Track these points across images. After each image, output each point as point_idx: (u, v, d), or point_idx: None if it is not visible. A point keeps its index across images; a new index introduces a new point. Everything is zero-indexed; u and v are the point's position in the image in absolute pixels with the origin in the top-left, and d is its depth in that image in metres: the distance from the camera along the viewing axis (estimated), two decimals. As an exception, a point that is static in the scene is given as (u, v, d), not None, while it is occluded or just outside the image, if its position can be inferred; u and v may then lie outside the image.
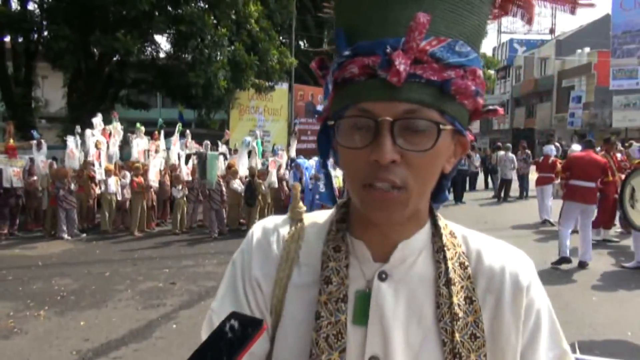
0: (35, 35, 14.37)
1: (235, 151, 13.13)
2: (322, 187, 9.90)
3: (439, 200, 0.80)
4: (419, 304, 0.73)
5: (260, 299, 0.77)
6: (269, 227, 0.83)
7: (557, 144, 14.68)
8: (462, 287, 0.74)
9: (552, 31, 44.31)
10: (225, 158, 11.19)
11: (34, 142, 10.12)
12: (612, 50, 27.54)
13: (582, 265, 6.89)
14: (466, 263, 0.76)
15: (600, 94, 29.26)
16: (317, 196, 10.24)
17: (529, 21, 0.79)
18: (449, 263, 0.74)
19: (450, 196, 14.46)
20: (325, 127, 0.76)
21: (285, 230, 0.81)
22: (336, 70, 0.69)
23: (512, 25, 45.81)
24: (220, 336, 0.58)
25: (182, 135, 11.89)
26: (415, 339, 0.72)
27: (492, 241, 0.81)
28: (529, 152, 15.30)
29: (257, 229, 0.83)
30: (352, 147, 0.67)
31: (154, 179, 10.12)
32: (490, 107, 0.75)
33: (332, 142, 0.76)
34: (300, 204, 0.86)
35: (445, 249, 0.76)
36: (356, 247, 0.76)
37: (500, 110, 0.76)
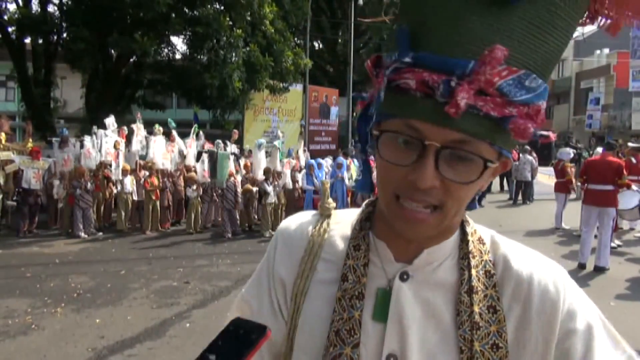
0: (55, 37, 14.62)
1: (250, 152, 13.17)
2: (358, 174, 9.78)
3: (468, 208, 0.79)
4: (438, 308, 0.73)
5: (280, 291, 0.80)
6: (296, 222, 0.85)
7: (573, 146, 14.46)
8: (485, 295, 0.72)
9: (570, 32, 43.68)
10: (236, 158, 11.21)
11: (56, 139, 10.30)
12: (632, 51, 27.01)
13: (598, 270, 6.81)
14: (492, 271, 0.74)
15: (619, 95, 28.73)
16: (352, 184, 10.15)
17: (614, 31, 0.69)
18: (473, 271, 0.73)
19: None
20: (365, 115, 0.74)
21: (311, 225, 0.83)
22: (391, 74, 0.64)
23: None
24: (223, 341, 0.57)
25: (198, 135, 11.99)
26: (431, 342, 0.71)
27: (523, 249, 0.79)
28: (534, 155, 15.24)
29: (284, 224, 0.86)
30: (394, 162, 0.65)
31: (159, 159, 10.25)
32: (544, 133, 0.67)
33: (371, 127, 0.73)
34: (330, 199, 0.86)
35: (471, 256, 0.74)
36: (379, 248, 0.77)
37: (553, 136, 0.69)
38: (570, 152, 10.97)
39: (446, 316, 0.72)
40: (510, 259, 0.75)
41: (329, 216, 0.84)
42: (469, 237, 0.76)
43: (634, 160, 10.09)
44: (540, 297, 0.72)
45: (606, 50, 31.47)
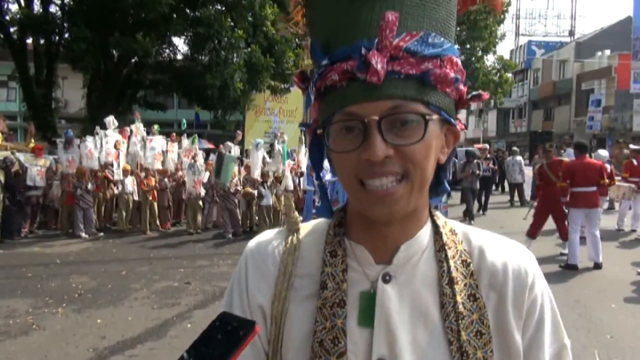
0: (56, 37, 14.65)
1: (244, 151, 13.16)
2: (318, 201, 9.77)
3: (439, 192, 0.80)
4: (424, 304, 0.73)
5: (260, 319, 0.76)
6: (263, 242, 0.82)
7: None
8: (465, 285, 0.74)
9: (571, 33, 43.68)
10: (242, 162, 11.22)
11: (60, 140, 10.32)
12: (633, 52, 27.03)
13: (598, 266, 6.99)
14: (468, 260, 0.76)
15: (620, 97, 28.72)
16: (313, 210, 10.12)
17: (496, 6, 0.80)
18: (451, 262, 0.74)
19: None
20: (317, 139, 0.76)
21: (280, 244, 0.80)
22: (318, 81, 0.70)
23: (530, 28, 45.31)
24: (211, 337, 0.56)
25: (201, 136, 12.02)
26: (422, 340, 0.71)
27: (494, 237, 0.80)
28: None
29: (251, 246, 0.83)
30: (344, 150, 0.68)
31: (151, 161, 10.29)
32: (474, 93, 0.75)
33: (324, 152, 0.76)
34: (296, 214, 0.85)
35: (447, 247, 0.75)
36: (357, 252, 0.76)
37: (485, 94, 0.77)
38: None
39: (433, 312, 0.72)
40: (485, 249, 0.77)
41: (297, 230, 0.82)
42: (442, 230, 0.77)
43: (635, 162, 10.10)
44: (514, 284, 0.74)
45: (607, 52, 31.47)
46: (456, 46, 0.72)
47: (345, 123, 0.67)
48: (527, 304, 0.74)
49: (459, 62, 0.70)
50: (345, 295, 0.72)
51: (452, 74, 0.68)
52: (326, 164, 0.81)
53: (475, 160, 11.82)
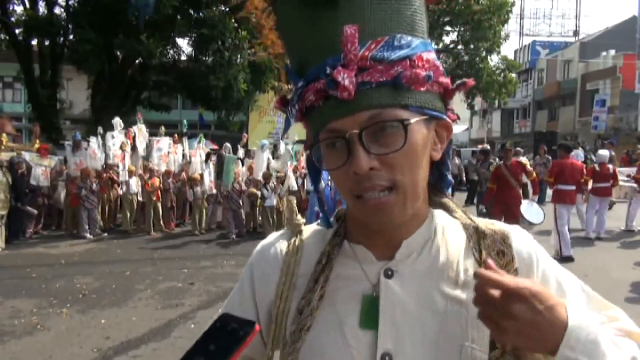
0: (61, 39, 14.72)
1: (248, 152, 13.16)
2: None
3: (443, 187, 0.82)
4: (429, 293, 0.73)
5: (263, 314, 0.81)
6: (267, 244, 0.85)
7: (581, 148, 14.38)
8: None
9: (576, 33, 43.50)
10: (242, 162, 11.24)
11: (68, 143, 10.36)
12: (638, 52, 26.88)
13: (570, 259, 7.38)
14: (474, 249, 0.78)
15: (625, 97, 28.56)
16: (316, 208, 10.13)
17: None
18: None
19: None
20: (311, 156, 0.78)
21: (284, 245, 0.83)
22: (298, 102, 0.72)
23: (534, 28, 45.14)
24: (211, 338, 0.57)
25: (205, 137, 12.07)
26: (431, 330, 0.72)
27: (490, 223, 0.82)
28: (548, 156, 14.96)
29: (257, 249, 0.86)
30: (333, 168, 0.69)
31: (158, 162, 10.30)
32: (459, 82, 0.75)
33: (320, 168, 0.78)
34: (299, 216, 0.88)
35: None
36: (356, 251, 0.77)
37: (470, 81, 0.77)
38: (581, 154, 10.94)
39: (440, 301, 0.72)
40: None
41: (300, 232, 0.84)
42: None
43: None
44: (518, 263, 0.75)
45: (612, 52, 31.31)
46: (431, 40, 0.72)
47: (329, 140, 0.69)
48: (538, 281, 0.74)
49: (432, 57, 0.70)
50: (319, 300, 0.75)
51: (423, 73, 0.67)
52: None
53: (490, 160, 11.50)
